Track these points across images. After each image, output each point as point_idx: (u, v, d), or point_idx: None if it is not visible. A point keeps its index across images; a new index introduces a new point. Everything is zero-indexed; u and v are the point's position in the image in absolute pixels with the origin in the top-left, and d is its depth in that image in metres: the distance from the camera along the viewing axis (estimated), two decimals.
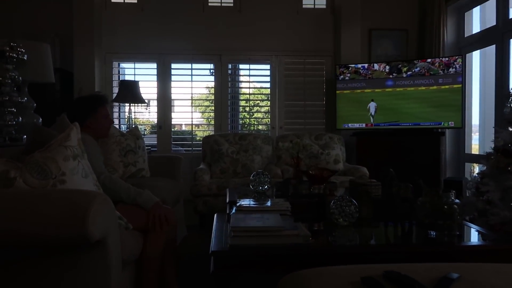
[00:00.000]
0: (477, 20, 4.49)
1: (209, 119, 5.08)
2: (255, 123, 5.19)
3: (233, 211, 1.93)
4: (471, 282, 1.04)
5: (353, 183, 2.42)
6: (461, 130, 4.34)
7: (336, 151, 3.92)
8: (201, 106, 5.27)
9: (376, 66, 4.32)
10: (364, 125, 4.30)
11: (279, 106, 4.90)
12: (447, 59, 4.12)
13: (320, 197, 2.15)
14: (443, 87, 4.08)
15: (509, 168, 2.17)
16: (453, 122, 3.96)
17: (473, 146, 4.46)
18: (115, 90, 4.64)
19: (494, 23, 3.99)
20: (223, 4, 4.92)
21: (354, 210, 1.88)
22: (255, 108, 5.15)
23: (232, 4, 4.90)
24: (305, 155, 3.76)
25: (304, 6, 4.99)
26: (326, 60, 4.92)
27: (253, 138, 4.03)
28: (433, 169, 4.00)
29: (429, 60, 4.18)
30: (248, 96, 5.15)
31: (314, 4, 5.02)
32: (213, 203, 3.37)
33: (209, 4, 4.89)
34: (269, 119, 4.96)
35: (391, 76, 4.27)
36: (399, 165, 3.86)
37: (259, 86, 5.26)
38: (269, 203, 2.11)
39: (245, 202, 2.11)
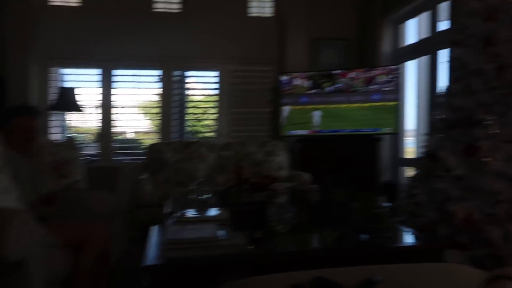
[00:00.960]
0: (412, 32, 4.77)
1: (158, 127, 4.97)
2: (205, 130, 5.14)
3: (171, 222, 1.89)
4: (393, 284, 1.08)
5: (293, 189, 2.46)
6: (397, 136, 4.57)
7: (280, 157, 3.98)
8: (148, 113, 5.15)
9: (296, 81, 4.43)
10: (307, 131, 4.41)
11: (225, 113, 4.90)
12: (385, 68, 4.32)
13: (261, 205, 2.16)
14: (375, 103, 4.27)
15: (435, 172, 2.31)
16: (390, 129, 4.17)
17: (409, 150, 4.71)
18: (55, 97, 4.41)
19: (427, 35, 4.25)
20: (169, 10, 4.85)
21: (292, 216, 1.92)
22: (204, 116, 5.12)
23: (179, 10, 4.85)
24: (249, 163, 3.77)
25: (249, 14, 5.04)
26: (272, 68, 4.99)
27: (198, 146, 3.99)
28: (372, 173, 4.17)
29: (352, 75, 4.33)
30: (196, 103, 5.10)
31: (260, 13, 5.09)
32: (155, 214, 3.27)
33: (155, 9, 4.81)
34: (217, 127, 4.95)
35: (311, 92, 4.40)
36: (341, 170, 4.01)
37: (206, 93, 5.23)
38: (208, 213, 2.09)
39: (184, 212, 2.07)
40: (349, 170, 3.98)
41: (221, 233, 1.66)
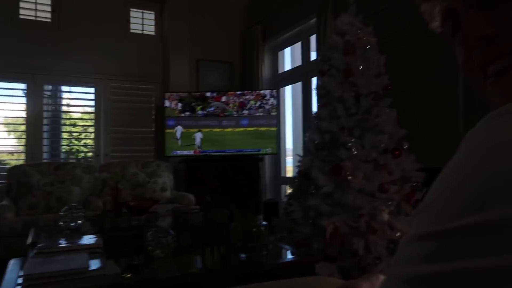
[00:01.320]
0: (288, 59, 5.17)
1: (25, 146, 4.41)
2: (85, 150, 4.74)
3: (32, 254, 1.69)
4: None
5: (175, 211, 2.42)
6: (277, 156, 4.84)
7: (163, 179, 3.88)
8: (14, 131, 4.55)
9: (167, 103, 4.45)
10: (192, 152, 4.39)
11: (105, 132, 4.61)
12: (261, 92, 4.54)
13: (139, 229, 2.07)
14: (250, 128, 4.45)
15: (309, 190, 2.50)
16: (270, 149, 4.40)
17: (289, 168, 5.02)
18: None
19: (301, 63, 4.65)
20: (38, 19, 4.43)
21: (172, 240, 1.87)
22: (83, 134, 4.72)
23: (49, 20, 4.45)
24: (129, 185, 3.60)
25: (132, 31, 4.90)
26: (155, 86, 4.89)
27: (71, 167, 3.67)
28: (254, 192, 4.33)
29: (223, 99, 4.48)
30: (74, 121, 4.69)
31: (143, 30, 4.98)
32: (18, 245, 2.90)
33: (21, 16, 4.34)
34: (94, 146, 4.61)
35: (183, 115, 4.43)
36: (225, 190, 4.08)
37: (82, 111, 4.86)
38: (80, 241, 1.92)
39: (50, 242, 1.87)
40: (233, 189, 4.06)
41: (93, 262, 1.54)
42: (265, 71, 5.02)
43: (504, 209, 0.28)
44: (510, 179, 0.28)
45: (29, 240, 1.98)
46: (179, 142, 4.36)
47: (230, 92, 4.56)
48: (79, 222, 2.29)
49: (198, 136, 4.41)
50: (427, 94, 2.79)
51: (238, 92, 4.54)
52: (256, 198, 4.26)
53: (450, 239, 0.30)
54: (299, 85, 4.67)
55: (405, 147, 2.46)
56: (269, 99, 4.49)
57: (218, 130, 4.43)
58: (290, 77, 4.86)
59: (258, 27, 4.97)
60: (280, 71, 5.14)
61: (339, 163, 2.35)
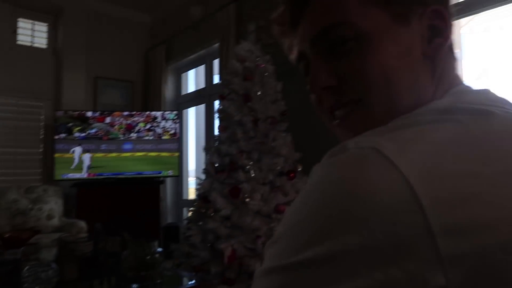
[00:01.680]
0: (192, 81, 5.17)
1: None
2: None
3: None
4: None
5: (61, 241, 2.20)
6: (179, 178, 4.74)
7: (50, 205, 3.52)
8: None
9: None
10: (85, 175, 4.08)
11: None
12: (155, 113, 4.37)
13: (14, 264, 1.83)
14: (154, 153, 4.31)
15: (208, 213, 2.48)
16: (171, 171, 4.29)
17: (191, 191, 4.94)
18: None
19: (204, 86, 4.67)
20: None
21: (53, 274, 1.69)
22: None
23: None
24: (8, 213, 3.20)
25: (19, 42, 4.46)
26: (45, 104, 4.48)
27: None
28: (154, 217, 4.15)
29: (107, 120, 4.21)
30: None
31: (32, 42, 4.57)
32: None
33: None
34: None
35: (57, 136, 4.03)
36: (122, 216, 3.84)
37: None
38: None
39: None
40: (131, 215, 3.85)
41: None
42: (168, 92, 4.94)
43: (336, 242, 0.30)
44: (339, 215, 0.31)
45: None
46: (74, 165, 4.02)
47: (115, 113, 4.28)
48: None
49: (86, 157, 4.10)
50: (318, 120, 2.99)
51: (125, 113, 4.31)
52: (156, 223, 4.09)
53: (293, 273, 0.32)
54: (202, 107, 4.68)
55: (300, 169, 2.59)
56: (160, 122, 4.34)
57: (100, 155, 4.14)
58: (194, 99, 4.85)
59: (162, 47, 4.90)
60: (183, 92, 5.10)
61: (238, 185, 2.38)
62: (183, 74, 5.13)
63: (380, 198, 0.30)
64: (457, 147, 0.32)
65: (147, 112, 4.38)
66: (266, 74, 2.68)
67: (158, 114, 4.35)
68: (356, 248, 0.29)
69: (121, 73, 5.05)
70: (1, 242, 2.06)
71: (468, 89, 0.43)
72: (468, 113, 0.36)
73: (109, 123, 4.20)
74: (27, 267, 1.64)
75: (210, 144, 2.69)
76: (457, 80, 0.45)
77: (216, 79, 4.43)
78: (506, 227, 0.29)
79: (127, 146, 4.23)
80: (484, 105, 0.37)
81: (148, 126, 4.31)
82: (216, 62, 4.32)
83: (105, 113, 4.24)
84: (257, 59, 2.71)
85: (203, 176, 2.68)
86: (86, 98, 4.65)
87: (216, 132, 2.80)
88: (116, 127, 4.21)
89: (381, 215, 0.29)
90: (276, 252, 0.34)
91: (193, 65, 4.92)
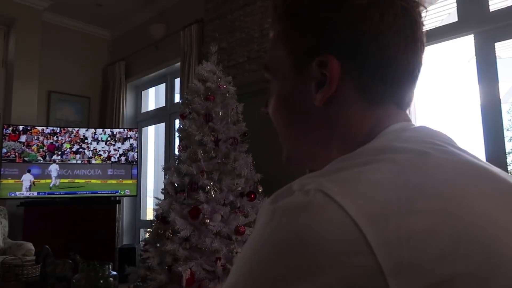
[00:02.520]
0: (152, 99, 5.10)
1: None
2: None
3: None
4: None
5: (4, 264, 2.05)
6: (137, 198, 4.60)
7: None
8: None
9: None
10: (35, 193, 3.86)
11: None
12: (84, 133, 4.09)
13: None
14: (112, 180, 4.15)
15: (166, 234, 2.41)
16: (128, 191, 4.15)
17: (150, 211, 4.79)
18: None
19: (164, 104, 4.62)
20: None
21: None
22: None
23: None
24: None
25: None
26: None
27: None
28: (109, 238, 3.98)
29: (22, 139, 3.82)
30: None
31: None
32: None
33: None
34: None
35: None
36: (76, 236, 3.65)
37: None
38: None
39: None
40: (84, 236, 3.67)
41: None
42: (127, 109, 4.84)
43: None
44: (292, 263, 0.30)
45: None
46: (55, 183, 3.83)
47: (34, 130, 3.88)
48: None
49: (54, 168, 3.90)
50: (279, 142, 3.04)
51: (47, 130, 3.93)
52: (111, 244, 3.92)
53: None
54: (162, 126, 4.62)
55: (260, 190, 2.60)
56: (90, 143, 4.00)
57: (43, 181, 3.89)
58: (154, 117, 4.78)
59: (121, 63, 4.82)
60: (143, 110, 5.02)
61: (198, 206, 2.35)
62: (143, 92, 5.06)
63: (331, 243, 0.30)
64: (396, 186, 0.33)
65: (76, 129, 4.09)
66: (227, 95, 2.70)
67: (88, 133, 4.04)
68: None
69: (77, 88, 4.89)
70: None
71: (404, 128, 0.42)
72: (403, 152, 0.36)
73: (24, 141, 3.75)
74: None
75: (170, 164, 2.64)
76: (388, 122, 0.43)
77: (177, 98, 4.40)
78: (450, 262, 0.30)
79: (49, 170, 3.89)
80: (418, 143, 0.38)
81: (75, 147, 3.95)
82: (177, 81, 4.30)
83: (18, 132, 3.82)
84: (219, 80, 2.73)
85: (162, 196, 2.62)
86: (38, 113, 4.44)
87: (176, 151, 2.77)
88: (34, 147, 3.80)
89: (332, 261, 0.29)
90: None
91: (154, 83, 4.87)
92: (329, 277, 0.29)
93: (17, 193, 3.79)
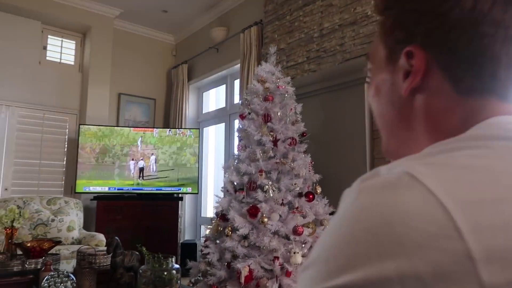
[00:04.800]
0: (213, 100, 5.25)
1: None
2: None
3: None
4: None
5: (80, 253, 2.23)
6: (198, 195, 4.77)
7: (71, 217, 3.59)
8: None
9: None
10: (107, 188, 4.15)
11: (7, 163, 4.18)
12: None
13: (34, 274, 1.87)
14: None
15: (226, 231, 2.47)
16: (190, 188, 4.32)
17: (210, 208, 4.94)
18: None
19: (225, 105, 4.74)
20: None
21: (71, 286, 1.71)
22: None
23: None
24: (31, 223, 3.27)
25: (48, 58, 4.64)
26: (70, 118, 4.62)
27: None
28: (172, 233, 4.17)
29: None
30: None
31: (61, 59, 4.75)
32: None
33: None
34: None
35: None
36: (140, 230, 3.88)
37: None
38: None
39: None
40: (149, 230, 3.88)
41: None
42: (189, 110, 5.03)
43: (372, 269, 0.30)
44: (375, 241, 0.30)
45: None
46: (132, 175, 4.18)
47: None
48: None
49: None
50: (338, 142, 3.00)
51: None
52: (174, 239, 4.10)
53: None
54: (222, 126, 4.74)
55: (319, 191, 2.58)
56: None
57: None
58: (214, 117, 4.92)
59: (184, 66, 5.02)
60: (204, 111, 5.18)
61: (256, 205, 2.38)
62: (204, 93, 5.22)
63: (416, 223, 0.29)
64: (491, 173, 0.32)
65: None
66: (286, 95, 2.71)
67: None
68: (393, 275, 0.29)
69: (144, 90, 5.18)
70: (22, 252, 2.10)
71: (508, 120, 0.40)
72: (503, 139, 0.35)
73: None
74: (46, 277, 1.66)
75: (229, 163, 2.71)
76: (486, 114, 0.41)
77: (236, 99, 4.49)
78: None
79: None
80: None
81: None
82: (236, 82, 4.39)
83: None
84: (278, 80, 2.75)
85: (221, 194, 2.69)
86: (109, 114, 4.77)
87: (236, 151, 2.83)
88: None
89: (418, 241, 0.29)
90: (309, 277, 0.34)
91: (214, 84, 5.01)
92: (414, 258, 0.29)
93: (90, 188, 4.10)
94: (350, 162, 2.89)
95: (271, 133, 2.49)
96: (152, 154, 4.28)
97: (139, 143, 4.27)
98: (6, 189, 4.12)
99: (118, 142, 4.24)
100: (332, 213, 2.53)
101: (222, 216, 2.58)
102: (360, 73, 2.86)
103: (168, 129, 4.45)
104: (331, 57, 3.20)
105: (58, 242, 2.20)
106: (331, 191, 2.69)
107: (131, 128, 4.39)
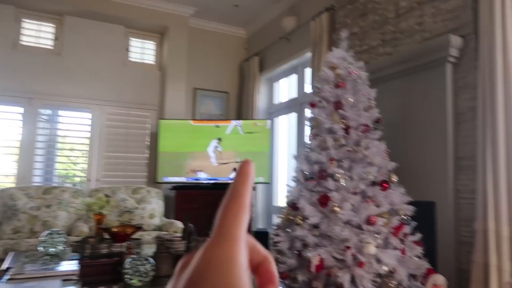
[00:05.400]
0: (284, 90, 5.22)
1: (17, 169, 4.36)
2: (81, 174, 4.69)
3: (4, 280, 1.64)
4: None
5: (158, 239, 2.37)
6: (270, 185, 4.80)
7: (152, 205, 3.84)
8: (8, 154, 4.52)
9: None
10: (184, 178, 4.36)
11: (98, 157, 4.59)
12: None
13: (119, 256, 2.02)
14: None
15: (296, 220, 2.46)
16: (263, 178, 4.36)
17: (282, 197, 4.96)
18: None
19: (296, 95, 4.70)
20: (40, 45, 4.52)
21: (150, 268, 1.82)
22: (77, 159, 4.70)
23: (51, 47, 4.54)
24: (117, 210, 3.55)
25: (131, 59, 4.98)
26: (151, 113, 4.92)
27: (60, 191, 3.62)
28: None
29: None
30: (71, 145, 4.69)
31: (142, 59, 5.07)
32: None
33: (22, 42, 4.43)
34: (88, 171, 4.58)
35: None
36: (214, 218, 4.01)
37: (77, 135, 4.86)
38: (56, 268, 1.87)
39: (26, 268, 1.82)
40: None
41: None
42: (261, 101, 5.07)
43: None
44: None
45: (4, 265, 1.93)
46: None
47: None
48: (60, 247, 2.24)
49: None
50: (416, 128, 2.80)
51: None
52: (247, 227, 4.18)
53: None
54: (293, 115, 4.70)
55: (394, 179, 2.43)
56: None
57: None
58: (286, 107, 4.90)
59: (255, 58, 5.06)
60: (275, 101, 5.19)
61: (327, 194, 2.32)
62: (275, 84, 5.23)
63: None
64: None
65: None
66: (358, 81, 2.59)
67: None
68: None
69: (218, 84, 5.34)
70: (109, 236, 2.28)
71: None
72: None
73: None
74: (128, 260, 1.79)
75: (300, 152, 2.67)
76: None
77: (307, 88, 4.42)
78: None
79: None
80: None
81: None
82: (308, 71, 4.32)
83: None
84: (349, 66, 2.64)
85: (292, 183, 2.67)
86: (186, 108, 4.99)
87: (307, 140, 2.78)
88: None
89: None
90: None
91: (285, 74, 4.98)
92: None
93: (169, 178, 4.34)
94: (429, 149, 2.69)
95: (343, 120, 2.40)
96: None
97: (217, 149, 4.44)
98: (98, 180, 4.52)
99: (197, 137, 4.44)
100: (409, 203, 2.38)
101: (292, 205, 2.57)
102: (441, 52, 2.64)
103: (240, 127, 4.52)
104: (409, 38, 3.00)
105: (139, 228, 2.36)
106: (408, 180, 2.53)
107: (207, 122, 4.55)
